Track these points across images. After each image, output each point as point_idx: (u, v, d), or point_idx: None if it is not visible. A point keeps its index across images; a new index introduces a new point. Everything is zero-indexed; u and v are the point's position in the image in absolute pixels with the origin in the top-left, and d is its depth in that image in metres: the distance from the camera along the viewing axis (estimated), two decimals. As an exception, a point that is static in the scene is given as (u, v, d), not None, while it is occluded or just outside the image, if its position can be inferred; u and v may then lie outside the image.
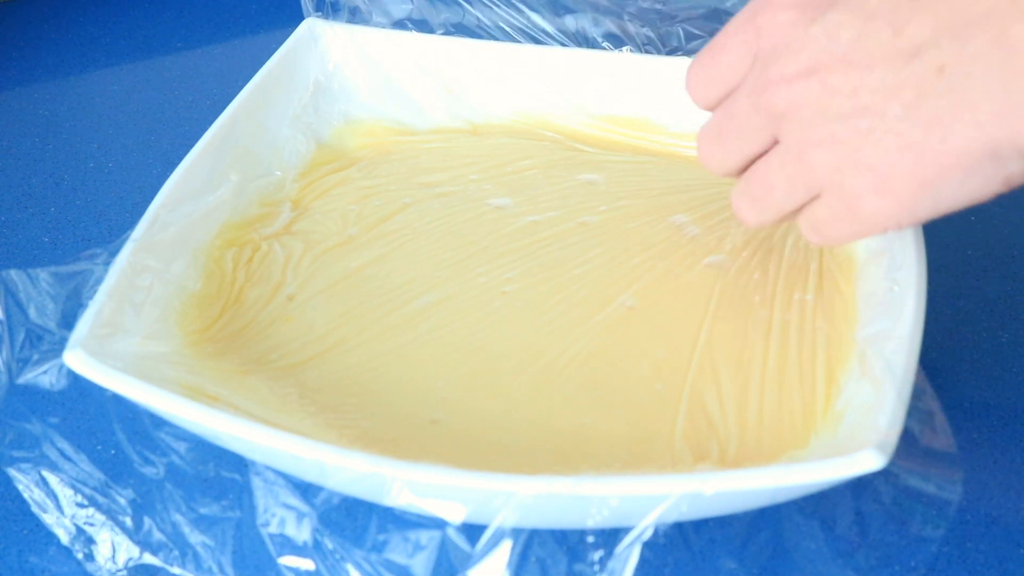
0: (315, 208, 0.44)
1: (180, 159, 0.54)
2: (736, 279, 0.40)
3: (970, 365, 0.42)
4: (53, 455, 0.35)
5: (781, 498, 0.32)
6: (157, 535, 0.34)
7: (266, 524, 0.32)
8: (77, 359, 0.33)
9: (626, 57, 0.48)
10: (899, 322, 0.33)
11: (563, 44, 0.50)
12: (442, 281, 0.40)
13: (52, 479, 0.35)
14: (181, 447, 0.35)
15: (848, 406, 0.33)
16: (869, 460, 0.29)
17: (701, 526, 0.36)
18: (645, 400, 0.36)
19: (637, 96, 0.48)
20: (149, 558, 0.34)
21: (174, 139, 0.55)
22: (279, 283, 0.40)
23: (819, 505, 0.34)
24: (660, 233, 0.42)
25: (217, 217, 0.41)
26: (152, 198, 0.51)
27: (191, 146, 0.55)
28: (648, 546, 0.29)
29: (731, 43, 0.33)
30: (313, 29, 0.49)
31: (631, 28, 0.51)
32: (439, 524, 0.30)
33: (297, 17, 0.51)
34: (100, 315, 0.35)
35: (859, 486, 0.33)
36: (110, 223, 0.50)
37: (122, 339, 0.35)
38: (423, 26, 0.49)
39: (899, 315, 0.33)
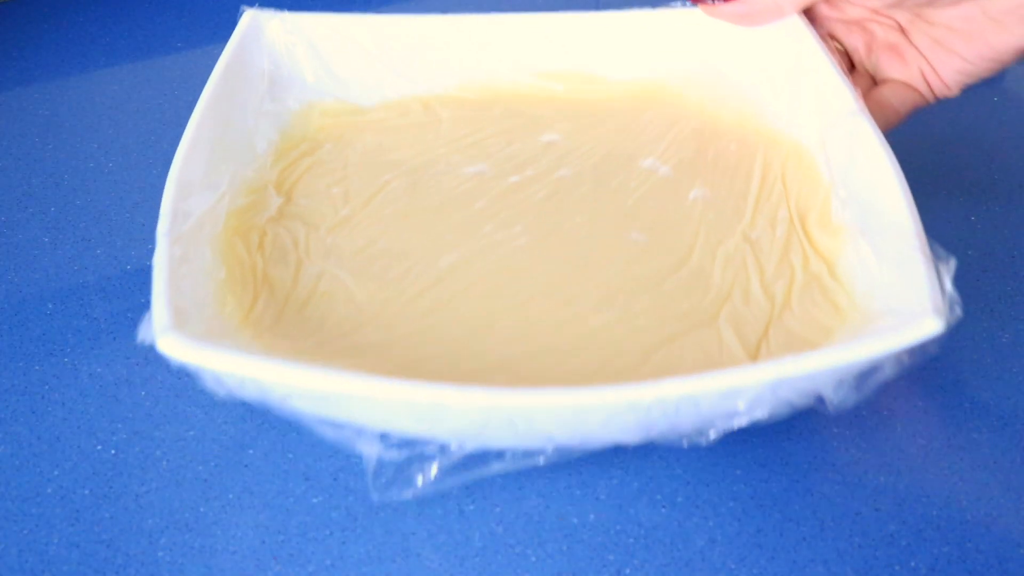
0: (298, 192, 0.45)
1: (180, 159, 0.54)
2: (722, 206, 0.44)
3: (970, 365, 0.42)
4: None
5: (839, 376, 0.33)
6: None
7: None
8: (176, 346, 0.32)
9: (561, 17, 0.50)
10: (890, 207, 0.37)
11: None
12: (455, 243, 0.42)
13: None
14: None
15: (869, 296, 0.37)
16: (929, 325, 0.32)
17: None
18: (679, 315, 0.39)
19: (577, 52, 0.51)
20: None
21: (174, 139, 0.55)
22: (298, 262, 0.42)
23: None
24: (637, 177, 0.46)
25: (220, 208, 0.42)
26: (152, 198, 0.51)
27: (191, 146, 0.55)
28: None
29: None
30: (256, 21, 0.49)
31: None
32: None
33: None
34: (169, 301, 0.34)
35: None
36: (110, 223, 0.50)
37: (192, 327, 0.34)
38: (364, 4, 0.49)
39: (884, 200, 0.37)
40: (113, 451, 0.39)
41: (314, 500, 0.37)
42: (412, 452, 0.34)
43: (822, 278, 0.40)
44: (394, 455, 0.34)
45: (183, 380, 0.42)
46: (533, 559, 0.35)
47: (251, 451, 0.39)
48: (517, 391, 0.31)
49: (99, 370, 0.42)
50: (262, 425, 0.40)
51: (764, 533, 0.36)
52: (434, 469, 0.35)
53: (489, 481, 0.38)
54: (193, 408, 0.41)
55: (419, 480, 0.35)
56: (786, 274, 0.40)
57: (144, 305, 0.45)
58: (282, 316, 0.39)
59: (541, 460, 0.34)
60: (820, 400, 0.33)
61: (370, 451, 0.34)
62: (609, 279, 0.41)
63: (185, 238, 0.38)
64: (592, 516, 0.37)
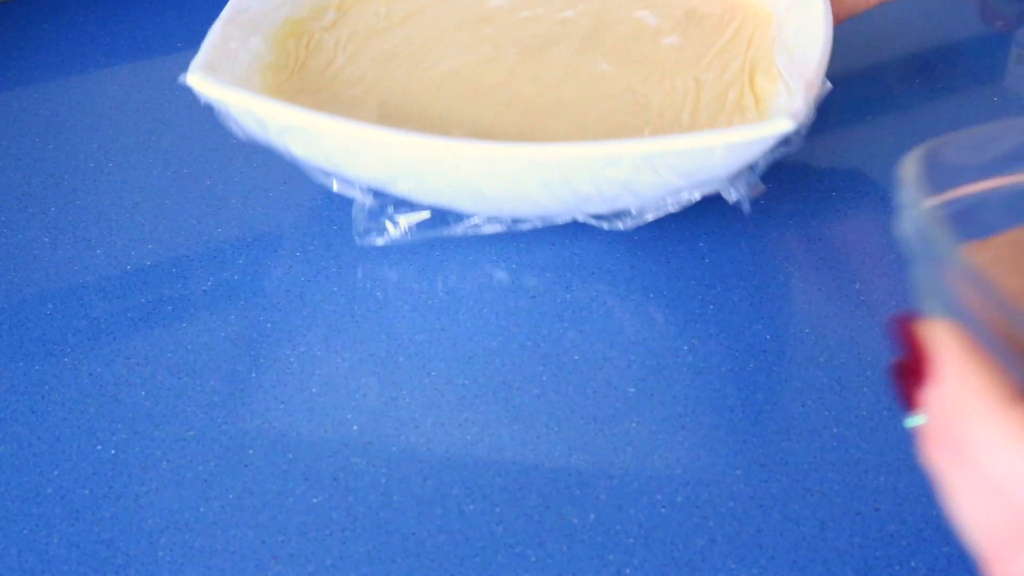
0: (353, 11, 0.55)
1: (180, 159, 0.54)
2: (688, 53, 0.52)
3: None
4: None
5: (728, 163, 0.42)
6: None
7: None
8: (200, 81, 0.43)
9: None
10: (810, 54, 0.46)
11: None
12: (457, 54, 0.53)
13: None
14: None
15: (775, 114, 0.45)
16: (783, 124, 0.41)
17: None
18: (613, 126, 0.48)
19: None
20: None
21: (174, 139, 0.55)
22: (332, 57, 0.52)
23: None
24: (627, 23, 0.54)
25: (280, 14, 0.52)
26: (152, 198, 0.51)
27: (191, 147, 0.55)
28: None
29: None
30: None
31: None
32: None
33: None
34: (207, 56, 0.44)
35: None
36: (110, 223, 0.50)
37: (225, 75, 0.45)
38: None
39: (809, 50, 0.46)
40: (113, 451, 0.39)
41: (314, 500, 0.37)
42: (385, 201, 0.46)
43: (747, 110, 0.48)
44: (371, 201, 0.46)
45: (183, 380, 0.42)
46: (533, 559, 0.35)
47: (251, 451, 0.39)
48: (442, 138, 0.41)
49: (99, 370, 0.42)
50: (262, 425, 0.40)
51: (764, 533, 0.36)
52: (403, 222, 0.47)
53: (489, 481, 0.38)
54: (193, 408, 0.41)
55: (391, 230, 0.47)
56: (717, 106, 0.49)
57: (144, 305, 0.45)
58: (304, 89, 0.50)
59: (500, 227, 0.46)
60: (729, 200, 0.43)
61: (352, 195, 0.45)
62: (568, 94, 0.50)
63: (241, 24, 0.48)
64: (592, 516, 0.37)
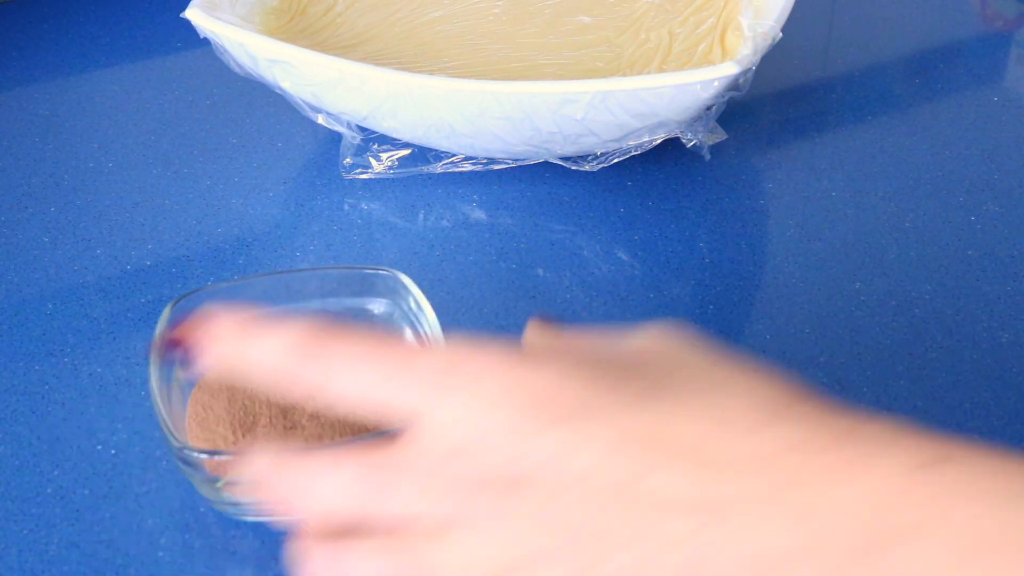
0: None
1: (180, 159, 0.54)
2: (666, 10, 0.57)
3: (970, 365, 0.42)
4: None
5: (678, 105, 0.45)
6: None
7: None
8: (197, 15, 0.47)
9: None
10: (774, 8, 0.48)
11: None
12: (447, 4, 0.59)
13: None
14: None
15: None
16: (729, 68, 0.44)
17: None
18: (587, 71, 0.53)
19: None
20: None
21: (174, 139, 0.55)
22: (332, 3, 0.58)
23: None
24: None
25: None
26: (152, 198, 0.51)
27: (191, 146, 0.55)
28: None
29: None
30: None
31: None
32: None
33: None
34: None
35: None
36: (110, 223, 0.50)
37: (224, 15, 0.49)
38: None
39: (773, 12, 0.48)
40: (113, 451, 0.39)
41: (314, 500, 0.37)
42: (369, 138, 0.51)
43: (714, 62, 0.51)
44: (355, 136, 0.49)
45: (183, 380, 0.42)
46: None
47: (251, 451, 0.39)
48: (410, 73, 0.45)
49: (99, 370, 0.42)
50: (262, 425, 0.40)
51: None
52: (386, 158, 0.50)
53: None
54: (193, 408, 0.40)
55: (375, 165, 0.51)
56: (686, 57, 0.53)
57: (144, 305, 0.45)
58: (303, 31, 0.55)
59: (477, 166, 0.50)
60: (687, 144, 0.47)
61: (338, 130, 0.49)
62: (549, 42, 0.55)
63: None
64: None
